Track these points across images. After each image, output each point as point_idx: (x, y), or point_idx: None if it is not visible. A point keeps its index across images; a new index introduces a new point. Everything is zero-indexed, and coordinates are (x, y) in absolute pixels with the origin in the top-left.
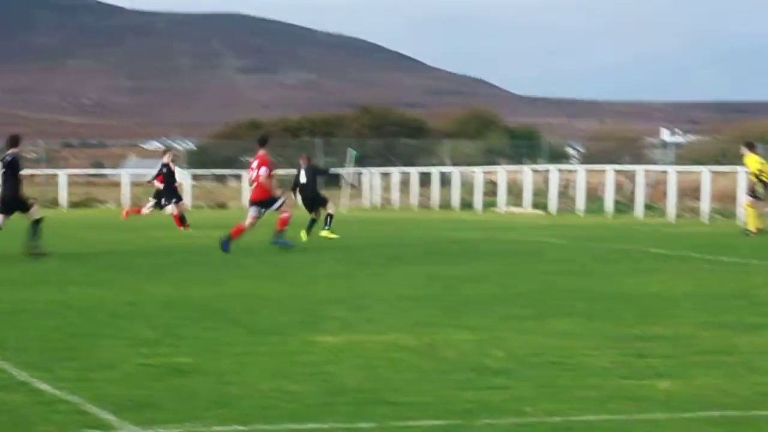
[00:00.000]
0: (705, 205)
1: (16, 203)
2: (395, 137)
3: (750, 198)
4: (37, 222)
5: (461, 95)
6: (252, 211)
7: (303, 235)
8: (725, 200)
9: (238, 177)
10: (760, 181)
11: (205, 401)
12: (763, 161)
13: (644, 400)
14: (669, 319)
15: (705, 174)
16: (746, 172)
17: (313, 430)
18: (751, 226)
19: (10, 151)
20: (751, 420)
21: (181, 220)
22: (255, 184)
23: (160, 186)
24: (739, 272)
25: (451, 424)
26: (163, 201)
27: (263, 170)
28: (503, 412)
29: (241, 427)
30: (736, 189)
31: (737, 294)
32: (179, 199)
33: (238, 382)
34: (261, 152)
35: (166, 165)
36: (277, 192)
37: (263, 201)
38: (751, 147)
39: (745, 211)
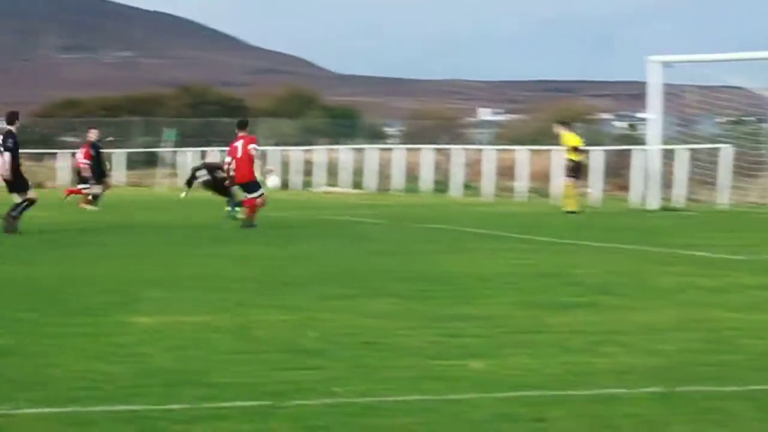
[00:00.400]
0: (521, 184)
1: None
2: (215, 117)
3: (570, 178)
4: None
5: (281, 74)
6: (253, 194)
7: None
8: (541, 179)
9: (54, 155)
10: (579, 153)
11: (19, 384)
12: (579, 138)
13: (457, 380)
14: (483, 299)
15: (521, 153)
16: (566, 149)
17: (125, 412)
18: (572, 206)
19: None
20: (563, 399)
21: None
22: (234, 165)
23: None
24: (553, 251)
25: (263, 404)
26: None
27: (252, 146)
28: (316, 392)
29: (52, 409)
30: (551, 168)
31: (551, 273)
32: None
33: (53, 364)
34: (242, 133)
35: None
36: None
37: (247, 184)
38: (566, 125)
39: (565, 191)
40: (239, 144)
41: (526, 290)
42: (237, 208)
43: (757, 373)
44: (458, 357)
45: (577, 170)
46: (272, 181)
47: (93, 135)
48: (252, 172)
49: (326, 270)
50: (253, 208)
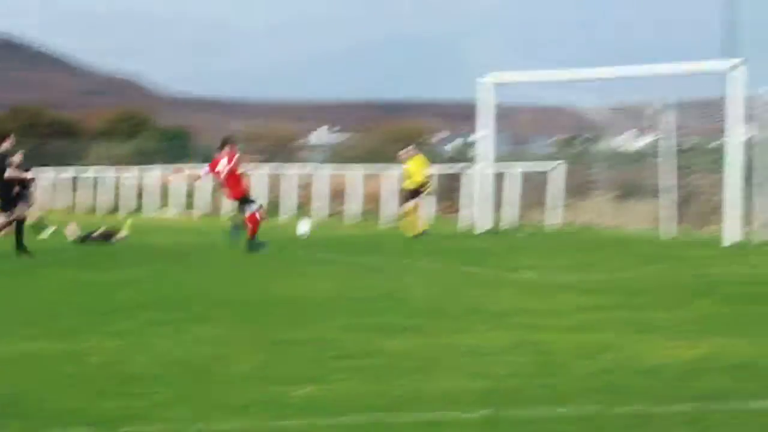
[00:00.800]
0: (354, 205)
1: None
2: (47, 139)
3: (414, 201)
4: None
5: (114, 95)
6: (249, 208)
7: None
8: (374, 201)
9: None
10: (423, 182)
11: None
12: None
13: (285, 406)
14: (313, 323)
15: (355, 174)
16: (411, 173)
17: None
18: (416, 228)
19: None
20: (391, 424)
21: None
22: (226, 179)
23: None
24: (384, 274)
25: None
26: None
27: (234, 160)
28: (146, 419)
29: None
30: (383, 190)
31: (382, 296)
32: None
33: None
34: (227, 149)
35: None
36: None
37: (241, 200)
38: (416, 147)
39: (408, 213)
40: (223, 161)
41: (357, 313)
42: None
43: (587, 395)
44: (287, 382)
45: (417, 193)
46: (303, 227)
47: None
48: (242, 188)
49: (155, 295)
50: (255, 223)
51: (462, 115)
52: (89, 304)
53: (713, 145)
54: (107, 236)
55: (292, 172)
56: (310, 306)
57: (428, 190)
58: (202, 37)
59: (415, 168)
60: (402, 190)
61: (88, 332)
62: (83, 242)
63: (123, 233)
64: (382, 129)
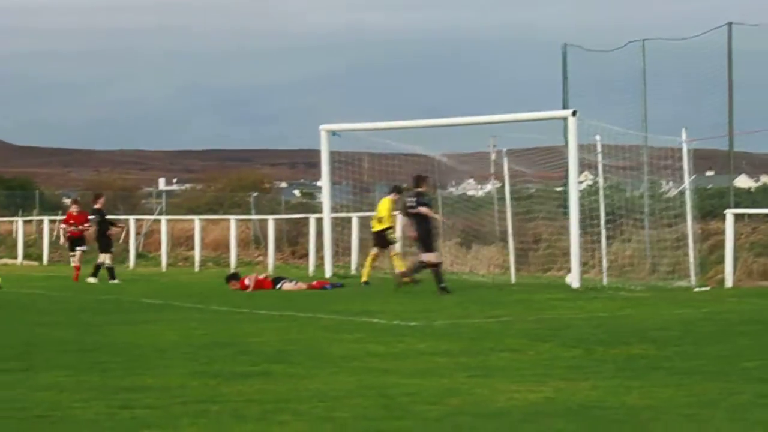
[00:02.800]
0: (197, 253)
1: None
2: None
3: (394, 247)
4: None
5: None
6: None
7: None
8: (218, 248)
9: None
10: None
11: None
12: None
13: None
14: (157, 370)
15: (197, 222)
16: (378, 218)
17: None
18: (402, 270)
19: None
20: None
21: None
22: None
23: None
24: (228, 321)
25: None
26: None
27: None
28: None
29: None
30: (228, 237)
31: (226, 343)
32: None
33: None
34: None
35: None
36: None
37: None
38: (398, 192)
39: (394, 261)
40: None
41: (201, 360)
42: None
43: None
44: (132, 429)
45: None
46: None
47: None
48: None
49: None
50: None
51: (307, 164)
52: None
53: (553, 190)
54: None
55: (132, 220)
56: (153, 352)
57: (392, 236)
58: (39, 85)
59: (385, 211)
60: (373, 232)
61: None
62: None
63: None
64: (226, 177)
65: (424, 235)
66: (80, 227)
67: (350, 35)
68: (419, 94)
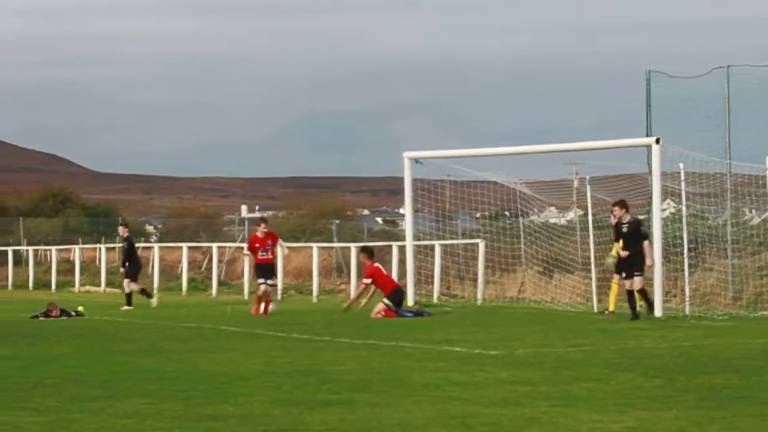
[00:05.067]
0: (279, 281)
1: None
2: None
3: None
4: None
5: (37, 172)
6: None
7: None
8: (301, 276)
9: None
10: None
11: None
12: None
13: None
14: (240, 398)
15: (279, 251)
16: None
17: None
18: (611, 305)
19: None
20: None
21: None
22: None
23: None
24: (311, 349)
25: None
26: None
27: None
28: None
29: None
30: (311, 264)
31: (308, 371)
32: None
33: None
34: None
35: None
36: None
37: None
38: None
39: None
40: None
41: (284, 388)
42: None
43: None
44: None
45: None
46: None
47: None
48: None
49: (79, 371)
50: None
51: (389, 191)
52: (10, 380)
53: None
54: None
55: (214, 247)
56: (236, 381)
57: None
58: (115, 114)
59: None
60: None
61: (9, 408)
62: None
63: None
64: (309, 204)
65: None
66: (267, 254)
67: (435, 61)
68: (502, 121)
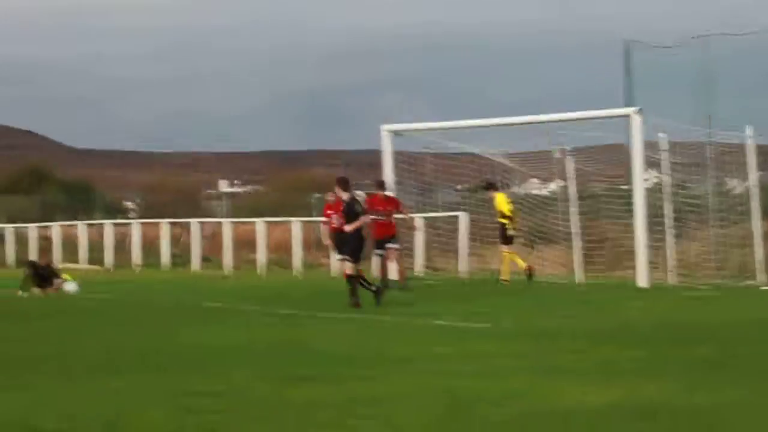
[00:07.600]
0: (261, 256)
1: None
2: None
3: (505, 246)
4: None
5: (12, 149)
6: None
7: None
8: (281, 251)
9: None
10: (510, 220)
11: None
12: (510, 199)
13: None
14: (222, 373)
15: (260, 225)
16: (498, 214)
17: None
18: (505, 275)
19: None
20: None
21: None
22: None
23: None
24: (293, 323)
25: None
26: None
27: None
28: None
29: None
30: (291, 239)
31: (290, 345)
32: None
33: None
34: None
35: None
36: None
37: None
38: (494, 187)
39: (503, 259)
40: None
41: (267, 363)
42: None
43: None
44: None
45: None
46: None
47: None
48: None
49: (61, 348)
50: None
51: (368, 165)
52: None
53: (619, 189)
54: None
55: (197, 223)
56: (218, 355)
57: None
58: (95, 88)
59: (502, 209)
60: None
61: None
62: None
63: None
64: (286, 178)
65: None
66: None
67: (414, 36)
68: (478, 95)
